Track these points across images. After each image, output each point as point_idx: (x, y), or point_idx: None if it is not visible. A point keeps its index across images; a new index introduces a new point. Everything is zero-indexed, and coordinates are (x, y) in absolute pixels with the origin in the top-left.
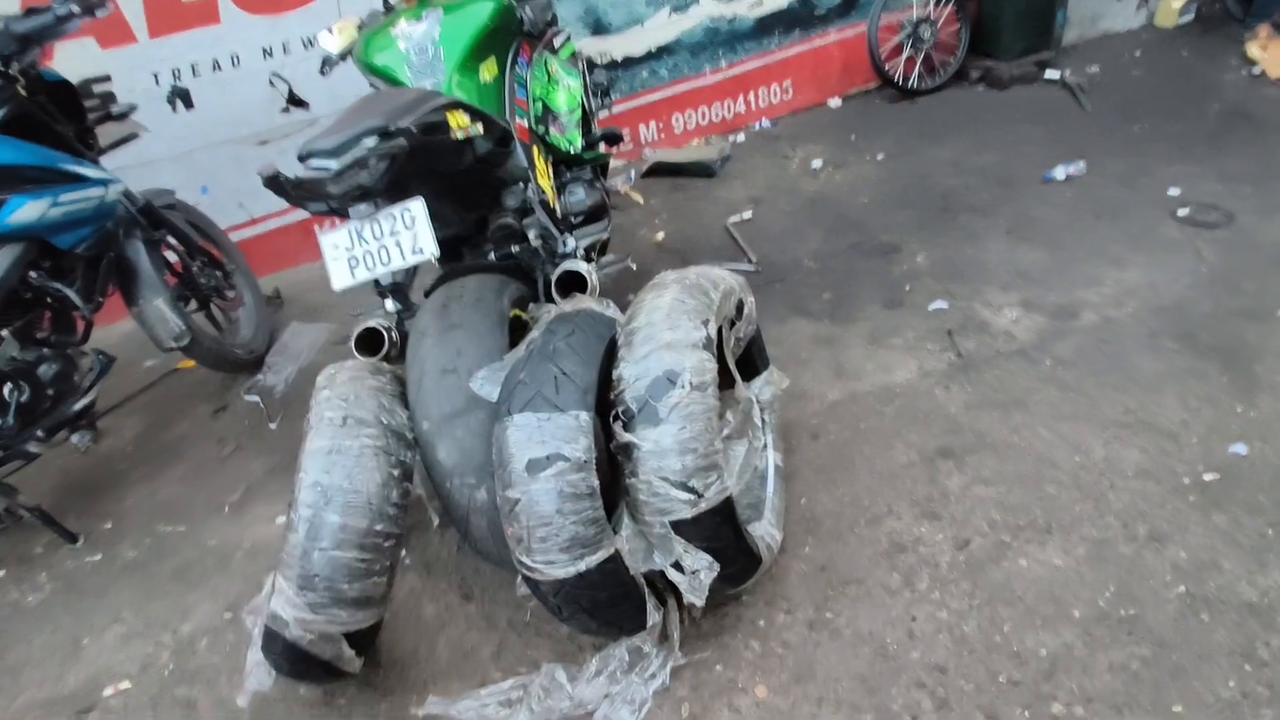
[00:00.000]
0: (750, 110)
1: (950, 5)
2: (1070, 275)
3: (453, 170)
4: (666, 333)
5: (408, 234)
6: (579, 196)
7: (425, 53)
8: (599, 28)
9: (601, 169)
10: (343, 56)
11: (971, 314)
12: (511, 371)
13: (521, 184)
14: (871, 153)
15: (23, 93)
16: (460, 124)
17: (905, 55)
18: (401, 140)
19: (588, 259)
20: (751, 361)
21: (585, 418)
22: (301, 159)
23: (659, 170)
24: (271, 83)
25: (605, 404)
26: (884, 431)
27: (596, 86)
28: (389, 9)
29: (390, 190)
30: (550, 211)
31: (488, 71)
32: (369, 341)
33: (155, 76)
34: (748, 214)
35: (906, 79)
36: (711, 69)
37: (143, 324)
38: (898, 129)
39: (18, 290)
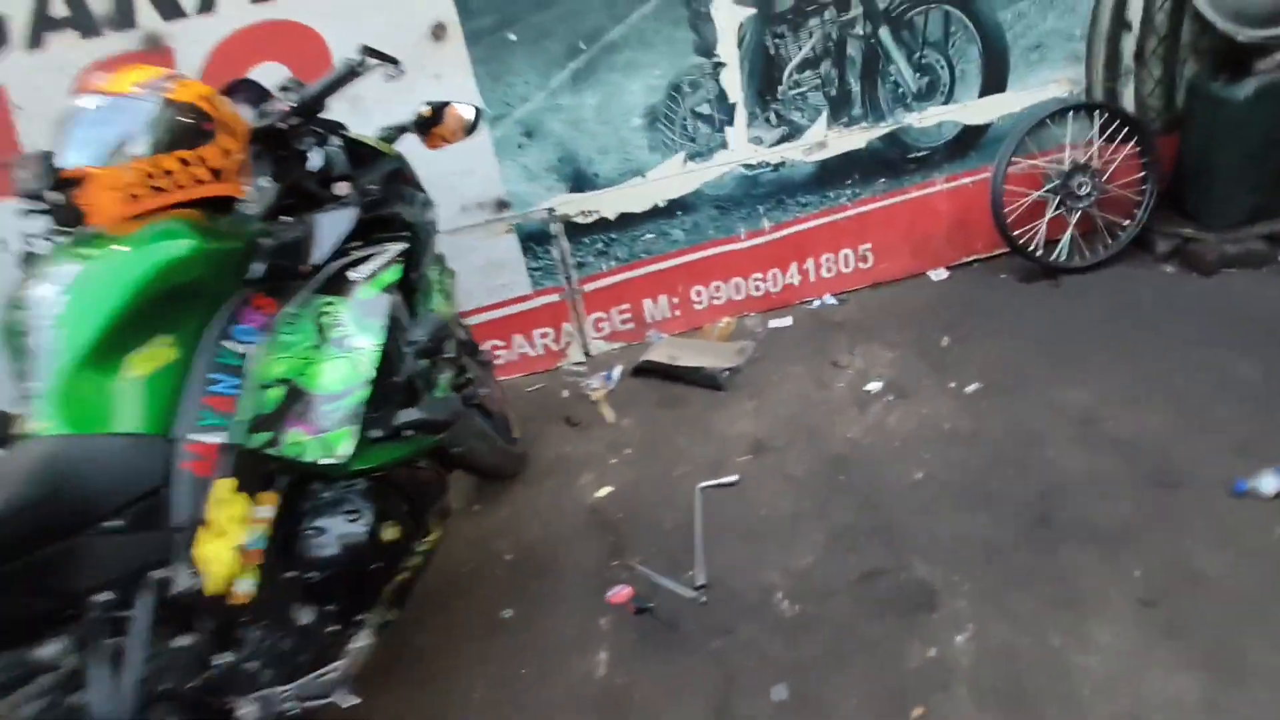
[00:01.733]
0: (807, 282)
1: (1130, 143)
2: None
3: None
4: None
5: None
6: (325, 539)
7: (40, 333)
8: (580, 183)
9: (438, 456)
10: None
11: None
12: None
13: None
14: (962, 376)
15: None
16: None
17: (1050, 214)
18: None
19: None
20: None
21: None
22: None
23: (652, 371)
24: None
25: None
26: None
27: (418, 346)
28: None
29: None
30: (214, 605)
31: (149, 362)
32: None
33: None
34: (734, 476)
35: (1050, 249)
36: (749, 230)
37: None
38: (1017, 331)
39: None
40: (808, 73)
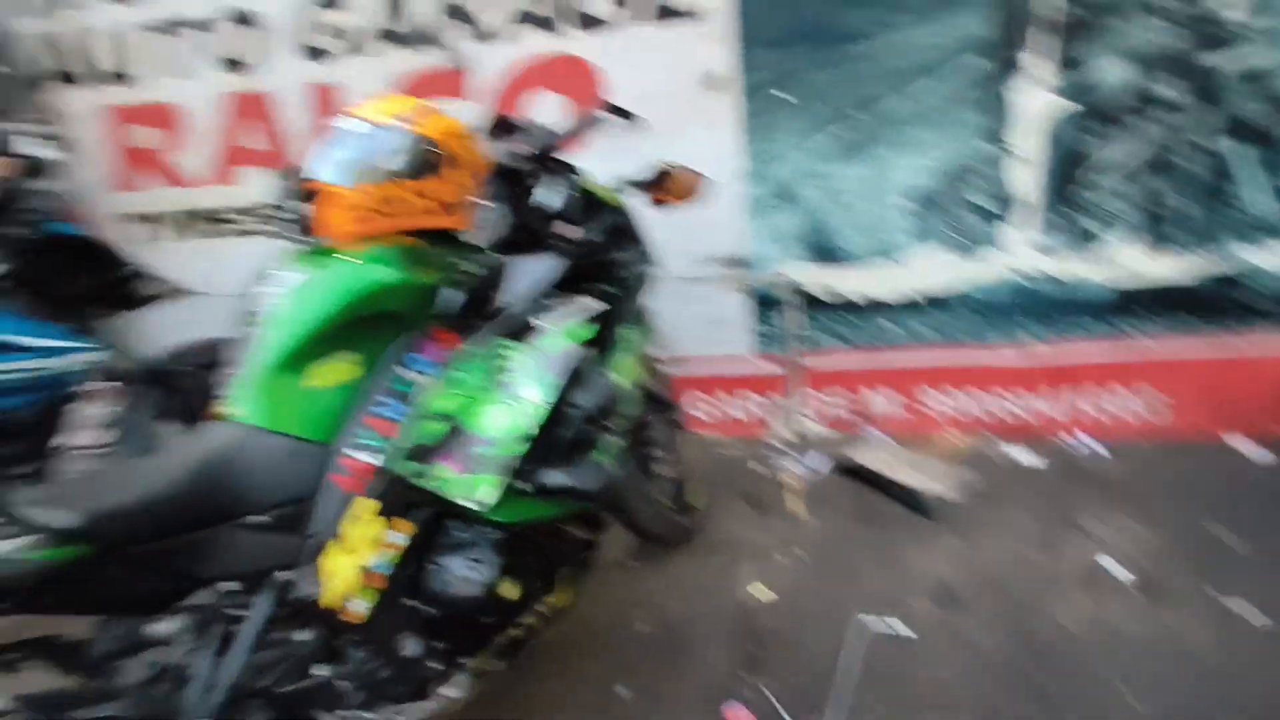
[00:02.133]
0: (1071, 418)
1: None
2: None
3: None
4: None
5: None
6: (443, 579)
7: (254, 328)
8: (825, 255)
9: (587, 519)
10: None
11: None
12: None
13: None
14: (1237, 590)
15: (29, 247)
16: None
17: None
18: None
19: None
20: None
21: None
22: None
23: (857, 474)
24: None
25: None
26: None
27: (582, 411)
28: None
29: None
30: (326, 617)
31: (329, 375)
32: None
33: None
34: (901, 625)
35: None
36: (1009, 344)
37: None
38: None
39: None
40: (1124, 181)
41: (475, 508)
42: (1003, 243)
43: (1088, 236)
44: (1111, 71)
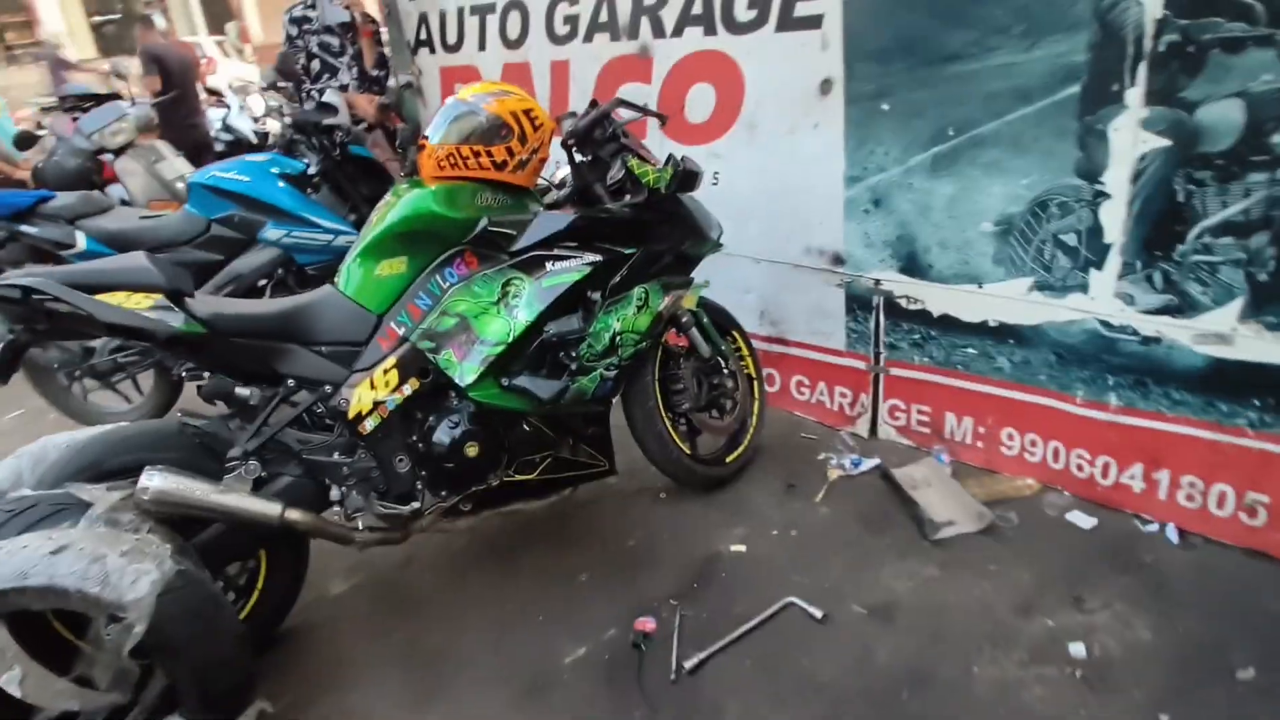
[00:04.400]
0: (1148, 495)
1: None
2: None
3: None
4: None
5: None
6: (437, 437)
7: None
8: (911, 267)
9: (564, 426)
10: None
11: None
12: None
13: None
14: None
15: (334, 159)
16: None
17: None
18: None
19: None
20: None
21: None
22: None
23: (889, 482)
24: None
25: None
26: None
27: (545, 336)
28: None
29: None
30: (346, 423)
31: (389, 268)
32: None
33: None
34: (820, 613)
35: None
36: (1087, 398)
37: None
38: None
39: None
40: (1228, 239)
41: (460, 383)
42: (1089, 288)
43: (1182, 296)
44: (1220, 113)
